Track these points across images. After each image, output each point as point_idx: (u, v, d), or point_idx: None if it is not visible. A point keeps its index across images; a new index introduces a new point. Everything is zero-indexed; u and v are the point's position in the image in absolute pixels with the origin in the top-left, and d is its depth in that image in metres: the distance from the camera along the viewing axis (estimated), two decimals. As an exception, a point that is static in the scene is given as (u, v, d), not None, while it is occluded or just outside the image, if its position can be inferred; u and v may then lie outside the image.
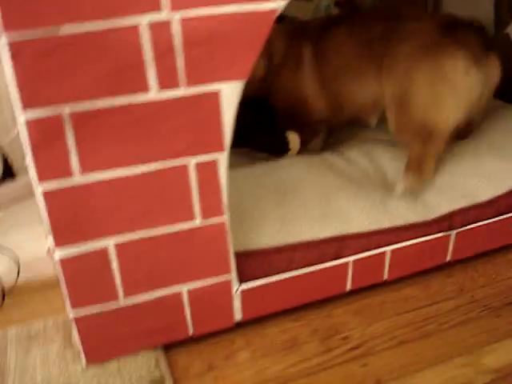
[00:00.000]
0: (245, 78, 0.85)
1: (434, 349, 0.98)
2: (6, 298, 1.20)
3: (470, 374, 0.93)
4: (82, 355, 0.95)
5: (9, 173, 1.52)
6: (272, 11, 0.83)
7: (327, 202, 1.12)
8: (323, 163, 1.28)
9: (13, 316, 1.14)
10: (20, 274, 1.25)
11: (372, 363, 0.95)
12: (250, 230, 1.04)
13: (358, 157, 1.32)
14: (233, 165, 0.94)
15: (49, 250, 0.90)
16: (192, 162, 0.86)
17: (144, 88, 0.80)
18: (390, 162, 1.31)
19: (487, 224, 1.16)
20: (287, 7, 0.86)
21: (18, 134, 0.81)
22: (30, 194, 1.51)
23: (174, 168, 0.86)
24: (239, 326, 1.03)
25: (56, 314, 1.12)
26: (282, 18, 1.12)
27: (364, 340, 1.00)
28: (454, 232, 1.13)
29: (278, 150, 1.34)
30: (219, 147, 0.87)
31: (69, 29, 0.73)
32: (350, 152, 1.35)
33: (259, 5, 0.82)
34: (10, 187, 1.49)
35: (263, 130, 1.35)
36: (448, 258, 1.16)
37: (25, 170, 1.54)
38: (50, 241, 0.86)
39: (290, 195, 1.13)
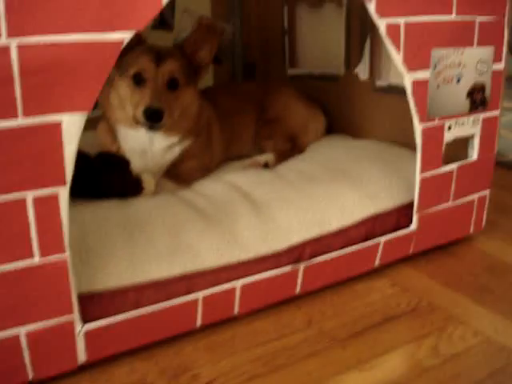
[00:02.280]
0: (88, 110, 0.81)
1: (282, 383, 0.98)
2: None
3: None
4: None
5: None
6: (118, 42, 0.81)
7: (176, 238, 1.10)
8: (173, 197, 1.26)
9: None
10: None
11: (221, 400, 0.93)
12: (96, 270, 0.99)
13: (211, 188, 1.32)
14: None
15: None
16: (30, 195, 0.81)
17: (-24, 118, 0.75)
18: (251, 184, 1.33)
19: (335, 257, 1.20)
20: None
21: None
22: None
23: (11, 202, 0.80)
24: (84, 368, 0.98)
25: None
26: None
27: (214, 377, 0.98)
28: (302, 265, 1.15)
29: (132, 190, 1.28)
30: (59, 181, 0.83)
31: None
32: (203, 185, 1.35)
33: (104, 35, 0.80)
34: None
35: (111, 173, 1.27)
36: (297, 291, 1.17)
37: None
38: None
39: (138, 230, 1.10)
